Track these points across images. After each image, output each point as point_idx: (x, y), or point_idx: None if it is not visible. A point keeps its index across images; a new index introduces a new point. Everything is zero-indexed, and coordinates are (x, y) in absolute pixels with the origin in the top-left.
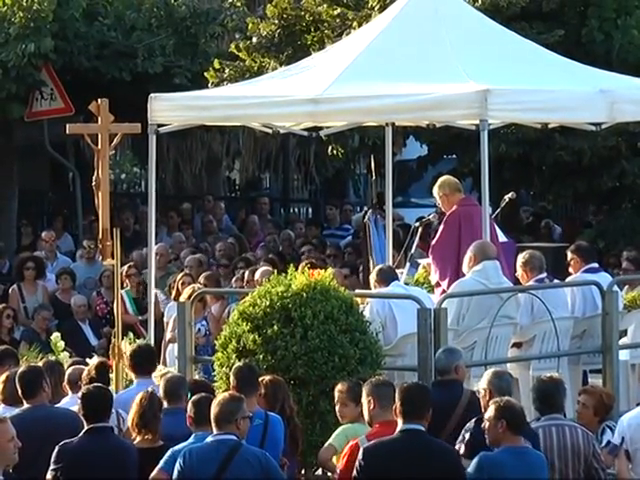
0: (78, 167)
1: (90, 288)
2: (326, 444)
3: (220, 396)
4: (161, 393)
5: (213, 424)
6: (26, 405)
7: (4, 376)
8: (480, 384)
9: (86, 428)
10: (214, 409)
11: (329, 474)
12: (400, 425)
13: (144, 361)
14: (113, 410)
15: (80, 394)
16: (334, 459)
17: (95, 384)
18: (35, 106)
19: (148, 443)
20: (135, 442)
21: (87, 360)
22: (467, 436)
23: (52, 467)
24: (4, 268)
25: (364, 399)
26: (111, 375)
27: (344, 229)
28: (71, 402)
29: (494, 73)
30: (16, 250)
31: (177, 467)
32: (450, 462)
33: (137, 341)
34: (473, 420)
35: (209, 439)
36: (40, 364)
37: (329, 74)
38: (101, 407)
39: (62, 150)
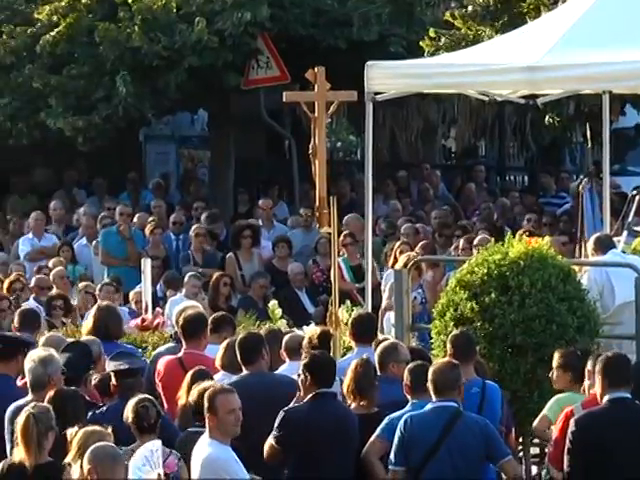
0: (294, 135)
1: (307, 256)
2: (540, 415)
3: (440, 364)
4: (376, 360)
5: (433, 391)
6: (245, 372)
7: (225, 343)
8: None
9: (311, 394)
10: (435, 376)
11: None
12: (606, 395)
13: (365, 329)
14: (337, 377)
15: (304, 361)
16: (550, 428)
17: (319, 350)
18: (251, 74)
19: (363, 409)
20: (350, 408)
21: (304, 328)
22: None
23: (276, 432)
24: (221, 235)
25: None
26: None
27: (560, 197)
28: (289, 369)
29: None
30: (232, 218)
31: (398, 433)
32: None
33: (354, 309)
34: None
35: (429, 406)
36: (261, 331)
37: (546, 42)
38: (326, 373)
39: (278, 118)
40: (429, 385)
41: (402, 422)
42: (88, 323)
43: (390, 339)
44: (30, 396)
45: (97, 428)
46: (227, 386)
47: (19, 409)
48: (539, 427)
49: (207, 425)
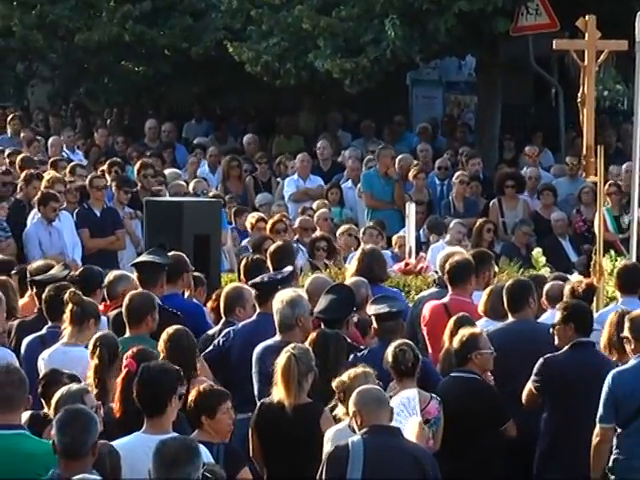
0: (561, 83)
1: (571, 205)
2: None
3: None
4: None
5: None
6: (510, 319)
7: (489, 289)
8: None
9: (571, 342)
10: None
11: None
12: None
13: (631, 279)
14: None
15: (564, 309)
16: None
17: (579, 301)
18: (520, 21)
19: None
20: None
21: (567, 276)
22: None
23: (535, 379)
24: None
25: None
26: None
27: None
28: (551, 317)
29: None
30: (497, 164)
31: (605, 390)
32: None
33: (618, 259)
34: None
35: (633, 361)
36: (526, 278)
37: None
38: (585, 323)
39: (546, 66)
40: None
41: (609, 379)
42: (353, 265)
43: None
44: (278, 337)
45: (363, 370)
46: None
47: (267, 349)
48: None
49: None
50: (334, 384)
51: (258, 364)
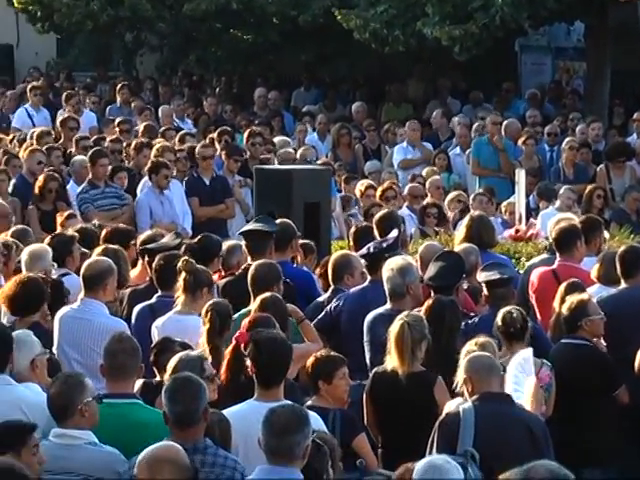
0: None
1: None
2: None
3: None
4: None
5: None
6: (623, 285)
7: (602, 255)
8: None
9: None
10: None
11: None
12: None
13: None
14: None
15: None
16: None
17: None
18: None
19: None
20: None
21: None
22: None
23: None
24: (599, 146)
25: None
26: None
27: None
28: None
29: None
30: (607, 130)
31: None
32: None
33: None
34: None
35: None
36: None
37: None
38: None
39: None
40: None
41: None
42: (461, 232)
43: None
44: (389, 305)
45: (487, 339)
46: None
47: (378, 317)
48: None
49: None
50: (463, 352)
51: (369, 332)
